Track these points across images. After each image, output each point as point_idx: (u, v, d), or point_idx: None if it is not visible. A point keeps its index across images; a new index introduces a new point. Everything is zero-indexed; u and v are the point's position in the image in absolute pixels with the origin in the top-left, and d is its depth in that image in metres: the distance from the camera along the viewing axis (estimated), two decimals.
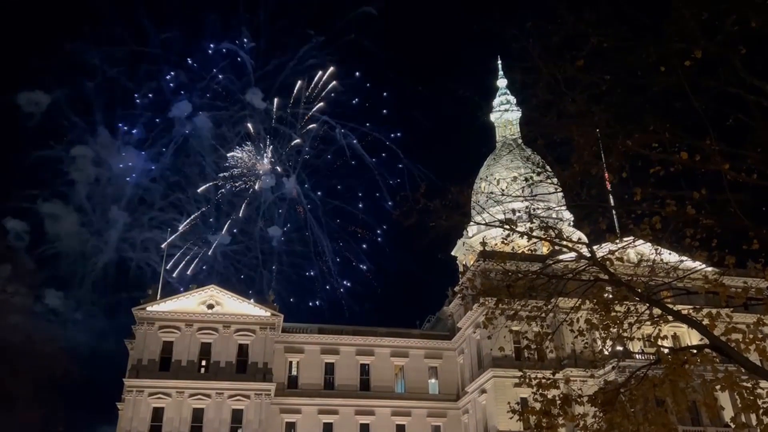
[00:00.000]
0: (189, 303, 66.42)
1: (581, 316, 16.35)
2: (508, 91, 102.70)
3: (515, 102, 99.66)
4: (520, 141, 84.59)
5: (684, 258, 16.60)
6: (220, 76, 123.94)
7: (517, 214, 18.12)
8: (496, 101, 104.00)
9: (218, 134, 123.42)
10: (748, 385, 13.98)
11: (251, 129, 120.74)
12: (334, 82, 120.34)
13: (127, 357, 66.60)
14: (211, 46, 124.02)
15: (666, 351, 15.29)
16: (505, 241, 17.65)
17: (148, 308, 65.13)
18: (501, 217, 18.84)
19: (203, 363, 64.48)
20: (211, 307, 66.59)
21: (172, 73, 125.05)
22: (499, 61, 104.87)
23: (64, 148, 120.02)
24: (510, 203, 19.47)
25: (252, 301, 68.82)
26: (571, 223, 66.01)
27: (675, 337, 60.73)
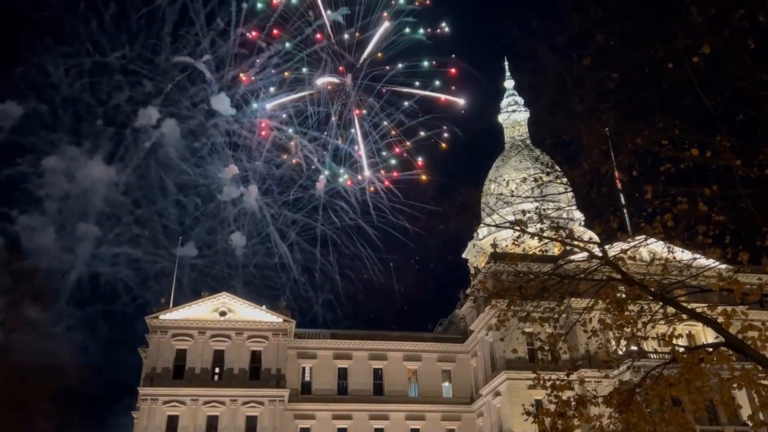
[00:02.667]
0: (201, 310, 66.65)
1: (594, 316, 16.24)
2: (516, 92, 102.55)
3: (523, 103, 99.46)
4: (528, 141, 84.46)
5: (697, 255, 16.45)
6: (188, 86, 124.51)
7: (528, 215, 18.02)
8: (503, 102, 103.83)
9: (186, 145, 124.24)
10: (766, 382, 13.82)
11: (217, 138, 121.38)
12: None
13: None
14: (176, 57, 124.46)
15: (681, 350, 15.15)
16: (516, 243, 17.57)
17: (161, 316, 65.41)
18: (511, 218, 18.77)
19: (216, 370, 64.64)
20: (223, 314, 66.79)
21: (139, 83, 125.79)
22: (506, 62, 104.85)
23: (33, 163, 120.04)
24: (520, 204, 19.36)
25: (264, 307, 68.93)
26: (582, 223, 65.68)
27: (690, 335, 60.21)
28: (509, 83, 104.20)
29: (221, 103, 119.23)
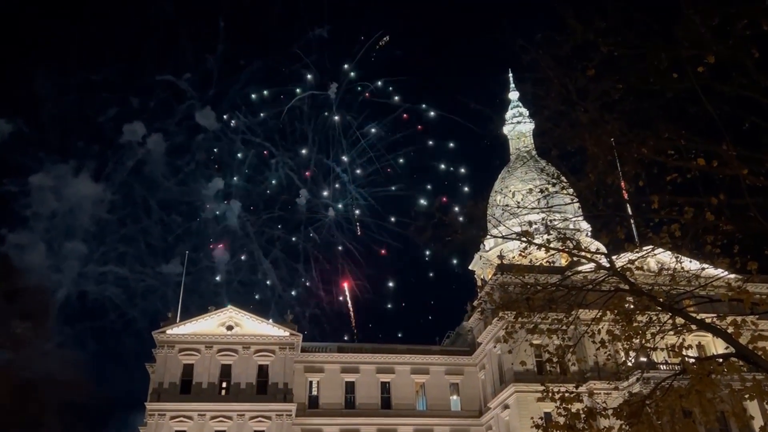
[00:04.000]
0: (208, 325, 66.61)
1: (603, 328, 16.13)
2: (520, 104, 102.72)
3: (528, 114, 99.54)
4: (534, 153, 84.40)
5: (705, 265, 16.35)
6: (173, 102, 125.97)
7: (534, 226, 17.98)
8: (508, 114, 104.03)
9: (171, 161, 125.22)
10: None
11: (201, 154, 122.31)
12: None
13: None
14: (160, 75, 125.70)
15: (691, 361, 15.00)
16: (523, 254, 17.52)
17: (168, 331, 65.41)
18: (517, 229, 18.73)
19: (224, 385, 64.47)
20: (230, 328, 66.72)
21: (125, 100, 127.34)
22: (510, 74, 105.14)
23: (22, 180, 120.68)
24: (526, 215, 19.33)
25: (271, 321, 68.87)
26: (589, 234, 65.46)
27: (700, 346, 59.73)
28: (514, 94, 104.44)
29: (206, 118, 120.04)
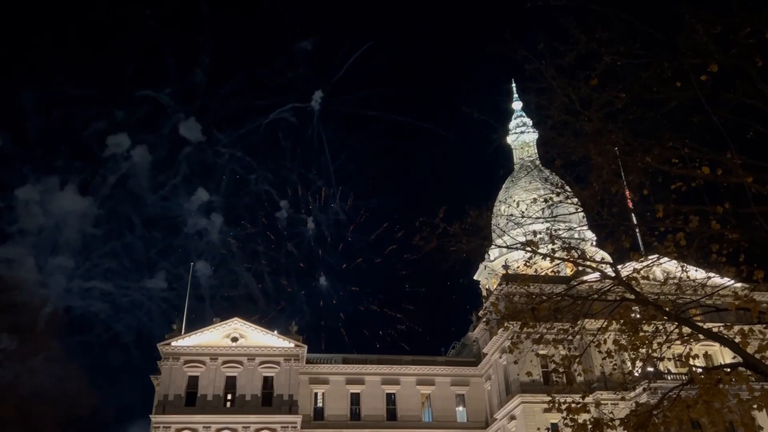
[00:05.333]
0: (213, 336, 66.52)
1: (609, 337, 16.05)
2: (524, 113, 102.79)
3: (531, 123, 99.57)
4: (538, 162, 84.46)
5: (711, 274, 16.27)
6: (158, 114, 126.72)
7: (539, 235, 17.94)
8: (512, 123, 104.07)
9: (155, 175, 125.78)
10: None
11: (185, 167, 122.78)
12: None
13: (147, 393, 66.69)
14: (143, 91, 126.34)
15: (698, 370, 14.91)
16: (528, 264, 17.46)
17: (173, 343, 65.32)
18: (522, 239, 18.69)
19: (229, 397, 64.28)
20: (235, 339, 66.61)
21: (112, 114, 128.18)
22: (513, 84, 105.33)
23: (8, 194, 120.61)
24: (530, 225, 19.31)
25: (275, 332, 68.68)
26: (594, 243, 65.30)
27: (707, 355, 59.29)
28: (517, 104, 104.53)
29: (190, 131, 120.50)
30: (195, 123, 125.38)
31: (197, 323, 68.56)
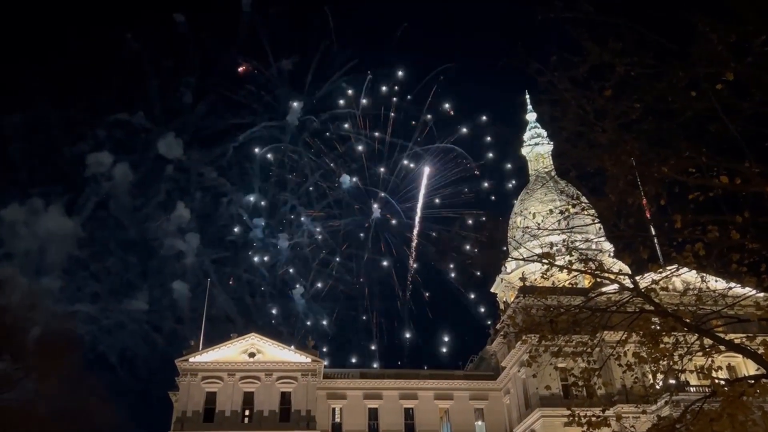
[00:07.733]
0: (230, 352, 66.64)
1: (629, 350, 15.86)
2: (538, 125, 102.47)
3: (546, 135, 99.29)
4: (553, 173, 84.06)
5: (732, 284, 16.05)
6: (138, 130, 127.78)
7: (555, 247, 17.83)
8: (526, 135, 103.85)
9: (136, 195, 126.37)
10: None
11: (164, 186, 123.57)
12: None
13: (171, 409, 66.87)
14: (118, 114, 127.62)
15: (721, 383, 14.66)
16: (545, 276, 17.35)
17: (191, 359, 65.51)
18: (539, 251, 18.58)
19: (246, 413, 64.24)
20: (252, 355, 66.66)
21: (91, 133, 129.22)
22: (527, 95, 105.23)
23: None
24: (547, 237, 19.22)
25: (293, 347, 68.67)
26: (612, 254, 64.66)
27: (730, 367, 58.30)
28: (531, 116, 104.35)
29: (170, 147, 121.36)
30: (173, 140, 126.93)
31: (216, 340, 68.74)
